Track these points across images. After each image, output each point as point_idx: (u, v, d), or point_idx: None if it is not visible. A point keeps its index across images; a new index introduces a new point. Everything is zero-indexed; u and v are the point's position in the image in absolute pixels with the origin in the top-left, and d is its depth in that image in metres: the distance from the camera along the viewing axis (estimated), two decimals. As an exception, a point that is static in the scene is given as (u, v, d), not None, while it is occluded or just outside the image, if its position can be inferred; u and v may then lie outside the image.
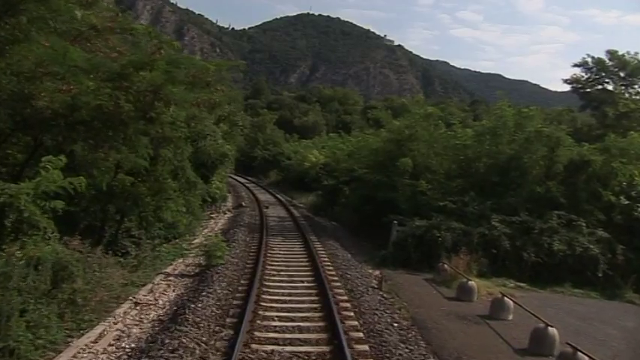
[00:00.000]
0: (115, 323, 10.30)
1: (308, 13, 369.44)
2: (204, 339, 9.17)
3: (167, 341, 8.77)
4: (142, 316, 10.96)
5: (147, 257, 16.26)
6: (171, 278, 14.78)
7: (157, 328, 10.14)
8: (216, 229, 25.14)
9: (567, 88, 38.56)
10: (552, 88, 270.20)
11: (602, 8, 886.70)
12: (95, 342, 9.18)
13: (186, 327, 9.63)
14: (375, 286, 14.64)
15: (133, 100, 12.97)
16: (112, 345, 9.13)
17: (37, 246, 9.87)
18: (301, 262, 17.18)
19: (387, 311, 12.08)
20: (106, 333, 9.68)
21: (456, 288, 14.88)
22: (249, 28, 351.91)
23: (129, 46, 15.74)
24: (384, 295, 13.78)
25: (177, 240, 20.46)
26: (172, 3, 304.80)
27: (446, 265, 16.47)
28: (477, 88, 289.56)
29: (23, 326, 8.46)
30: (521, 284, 16.98)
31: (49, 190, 10.23)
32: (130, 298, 12.13)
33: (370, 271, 17.34)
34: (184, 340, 8.80)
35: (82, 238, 13.09)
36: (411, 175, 23.48)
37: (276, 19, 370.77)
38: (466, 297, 14.26)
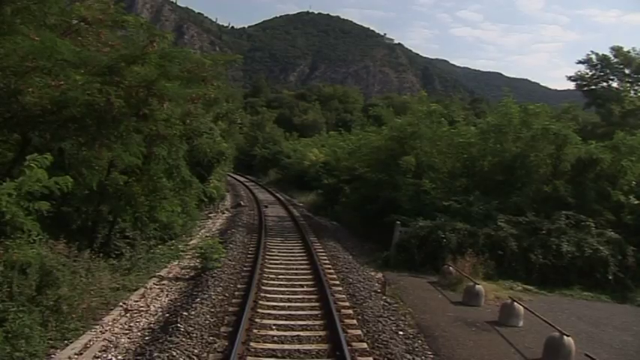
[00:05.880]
0: (103, 332, 9.69)
1: (308, 12, 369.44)
2: (196, 351, 8.56)
3: (156, 354, 8.15)
4: (132, 324, 10.34)
5: (141, 259, 15.70)
6: (165, 282, 14.18)
7: (147, 338, 9.53)
8: (213, 229, 24.59)
9: (567, 86, 38.47)
10: (552, 87, 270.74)
11: (601, 8, 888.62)
12: (80, 354, 8.56)
13: (178, 337, 9.02)
14: (378, 290, 14.03)
15: (124, 95, 12.36)
16: (98, 357, 8.51)
17: (21, 249, 9.28)
18: (301, 264, 16.58)
19: (392, 318, 11.47)
20: (92, 343, 9.05)
21: (462, 292, 14.28)
22: (249, 27, 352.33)
23: (121, 40, 15.12)
24: (388, 300, 13.16)
25: (173, 241, 19.87)
26: (172, 1, 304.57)
27: (451, 268, 15.87)
28: (476, 86, 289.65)
29: (1, 337, 7.85)
30: (529, 287, 16.36)
31: (34, 191, 9.61)
32: (121, 304, 11.52)
33: (372, 273, 16.73)
34: (174, 354, 8.19)
35: (74, 239, 12.60)
36: (414, 173, 22.84)
37: (276, 17, 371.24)
38: (473, 301, 13.66)
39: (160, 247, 18.24)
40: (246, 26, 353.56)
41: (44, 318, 9.08)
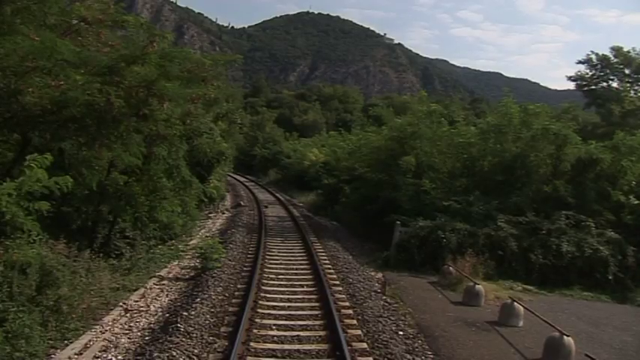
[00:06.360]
0: (103, 332, 9.70)
1: (308, 12, 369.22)
2: (196, 351, 8.56)
3: (156, 354, 8.16)
4: (132, 324, 10.34)
5: (141, 259, 15.72)
6: (165, 282, 14.18)
7: (147, 338, 9.53)
8: (213, 229, 24.59)
9: (567, 86, 38.51)
10: (552, 87, 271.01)
11: (601, 8, 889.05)
12: (80, 354, 8.56)
13: (178, 337, 9.02)
14: (378, 291, 14.03)
15: (124, 95, 12.34)
16: (98, 357, 8.51)
17: (21, 249, 9.28)
18: (301, 264, 16.58)
19: (392, 318, 11.47)
20: (92, 343, 9.06)
21: (462, 292, 14.28)
22: (249, 27, 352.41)
23: (121, 40, 15.11)
24: (388, 301, 13.15)
25: (173, 241, 19.89)
26: (172, 1, 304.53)
27: (451, 268, 15.87)
28: (476, 86, 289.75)
29: (1, 337, 7.85)
30: (529, 287, 16.35)
31: (34, 191, 9.60)
32: (121, 304, 11.52)
33: (372, 273, 16.73)
34: (174, 354, 8.20)
35: (74, 239, 12.61)
36: (414, 174, 22.83)
37: (276, 17, 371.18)
38: (473, 301, 13.65)
39: (160, 247, 18.25)
40: (246, 26, 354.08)
41: (44, 318, 9.07)
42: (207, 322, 10.24)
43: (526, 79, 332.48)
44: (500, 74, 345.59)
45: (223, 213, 31.01)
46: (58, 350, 8.64)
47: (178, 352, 8.38)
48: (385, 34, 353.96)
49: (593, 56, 37.12)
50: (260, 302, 11.85)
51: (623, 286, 17.02)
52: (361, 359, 8.85)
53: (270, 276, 14.59)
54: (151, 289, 13.30)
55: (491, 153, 22.50)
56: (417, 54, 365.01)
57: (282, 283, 13.99)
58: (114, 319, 10.50)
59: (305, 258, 17.52)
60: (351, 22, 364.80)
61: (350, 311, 11.60)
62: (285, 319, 10.79)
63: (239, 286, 13.29)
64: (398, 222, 19.02)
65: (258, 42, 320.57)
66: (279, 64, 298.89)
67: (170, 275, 15.09)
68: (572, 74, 38.27)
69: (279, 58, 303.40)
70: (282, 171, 54.93)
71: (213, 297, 12.02)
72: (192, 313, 10.60)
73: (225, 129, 31.65)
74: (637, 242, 17.93)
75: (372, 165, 26.20)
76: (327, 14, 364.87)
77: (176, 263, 16.62)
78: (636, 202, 19.47)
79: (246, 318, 10.28)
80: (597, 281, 17.01)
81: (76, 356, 8.49)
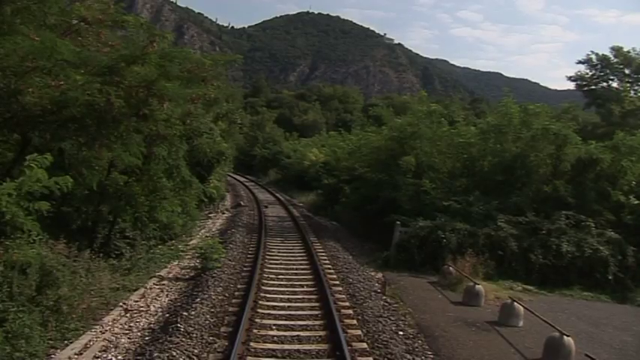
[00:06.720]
0: (103, 332, 9.69)
1: (308, 12, 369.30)
2: (196, 351, 8.56)
3: (156, 354, 8.16)
4: (132, 325, 10.34)
5: (141, 259, 15.70)
6: (165, 282, 14.17)
7: (147, 338, 9.53)
8: (213, 229, 24.59)
9: (567, 86, 38.46)
10: (552, 87, 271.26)
11: (601, 8, 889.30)
12: (80, 354, 8.56)
13: (178, 337, 9.02)
14: (378, 290, 14.03)
15: (124, 95, 12.34)
16: (98, 357, 8.51)
17: (21, 249, 9.28)
18: (301, 264, 16.58)
19: (392, 318, 11.47)
20: (92, 343, 9.06)
21: (462, 292, 14.28)
22: (249, 27, 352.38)
23: (121, 40, 15.11)
24: (388, 301, 13.15)
25: (173, 241, 19.89)
26: (172, 1, 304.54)
27: (451, 268, 15.87)
28: (476, 86, 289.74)
29: (1, 337, 7.85)
30: (529, 287, 16.36)
31: (34, 191, 9.59)
32: (121, 304, 11.51)
33: (372, 273, 16.73)
34: (174, 354, 8.20)
35: (74, 239, 12.61)
36: (414, 173, 22.83)
37: (276, 17, 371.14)
38: (473, 301, 13.65)
39: (159, 247, 18.25)
40: (246, 26, 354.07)
41: (44, 318, 9.07)
42: (207, 322, 10.24)
43: (526, 79, 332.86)
44: (500, 74, 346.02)
45: (223, 213, 31.01)
46: (58, 350, 8.64)
47: (178, 352, 8.38)
48: (385, 34, 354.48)
49: (593, 56, 37.15)
50: (260, 302, 11.85)
51: (623, 286, 17.05)
52: (361, 359, 8.85)
53: (270, 276, 14.59)
54: (150, 289, 13.29)
55: (491, 153, 22.52)
56: (417, 54, 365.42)
57: (282, 283, 13.99)
58: (114, 319, 10.50)
59: (305, 258, 17.52)
60: (351, 22, 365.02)
61: (350, 311, 11.60)
62: (285, 319, 10.79)
63: (239, 286, 13.29)
64: (398, 222, 19.01)
65: (258, 42, 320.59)
66: (279, 64, 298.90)
67: (170, 275, 15.09)
68: (572, 74, 38.32)
69: (279, 58, 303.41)
70: (282, 171, 54.93)
71: (213, 297, 12.02)
72: (192, 313, 10.60)
73: (225, 129, 31.64)
74: (637, 242, 17.95)
75: (372, 165, 26.21)
76: (327, 14, 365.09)
77: (176, 263, 16.62)
78: (636, 202, 19.49)
79: (246, 318, 10.28)
80: (597, 281, 17.03)
81: (76, 356, 8.50)
